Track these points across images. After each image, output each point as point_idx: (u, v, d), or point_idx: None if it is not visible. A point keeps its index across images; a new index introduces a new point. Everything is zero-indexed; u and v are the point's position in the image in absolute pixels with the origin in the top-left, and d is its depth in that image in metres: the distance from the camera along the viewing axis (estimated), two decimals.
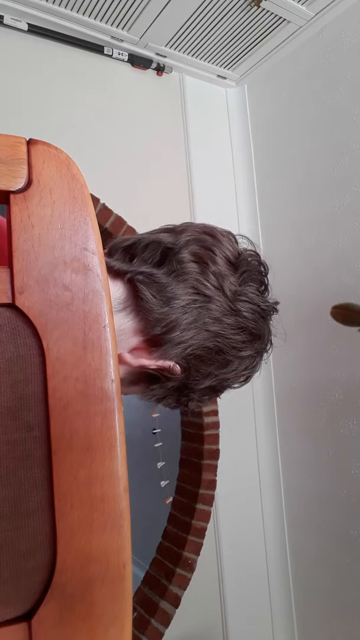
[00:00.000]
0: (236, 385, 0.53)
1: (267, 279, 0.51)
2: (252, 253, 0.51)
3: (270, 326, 0.52)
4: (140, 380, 0.48)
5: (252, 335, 0.49)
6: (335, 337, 1.58)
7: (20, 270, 0.26)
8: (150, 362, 0.46)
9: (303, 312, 1.67)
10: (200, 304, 0.46)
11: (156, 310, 0.44)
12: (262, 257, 0.52)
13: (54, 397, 0.26)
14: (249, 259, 0.50)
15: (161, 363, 0.46)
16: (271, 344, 0.53)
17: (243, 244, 0.52)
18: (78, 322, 0.27)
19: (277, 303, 0.52)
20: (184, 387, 0.49)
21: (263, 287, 0.51)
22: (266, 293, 0.51)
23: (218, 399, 1.74)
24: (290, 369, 1.77)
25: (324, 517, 1.65)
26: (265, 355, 0.53)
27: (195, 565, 1.66)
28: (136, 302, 0.45)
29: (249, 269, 0.49)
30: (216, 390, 0.51)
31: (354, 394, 1.53)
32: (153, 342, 0.46)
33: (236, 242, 0.51)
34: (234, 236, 0.51)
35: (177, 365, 0.46)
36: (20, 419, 0.26)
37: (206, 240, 0.48)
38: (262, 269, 0.51)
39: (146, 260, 0.47)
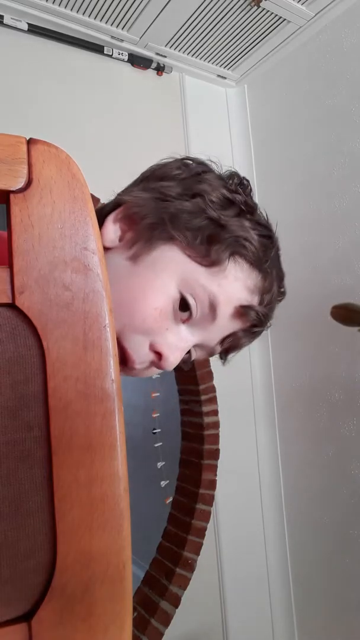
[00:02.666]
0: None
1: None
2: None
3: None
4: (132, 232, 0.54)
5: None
6: (335, 337, 1.57)
7: (20, 270, 0.26)
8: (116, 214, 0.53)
9: (303, 312, 1.67)
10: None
11: (118, 197, 0.54)
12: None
13: (54, 397, 0.26)
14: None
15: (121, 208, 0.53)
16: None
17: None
18: (78, 322, 0.27)
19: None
20: (165, 213, 0.51)
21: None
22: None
23: (218, 400, 1.74)
24: (290, 369, 1.77)
25: (324, 517, 1.65)
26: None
27: (195, 565, 1.66)
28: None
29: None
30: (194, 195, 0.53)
31: (354, 394, 1.53)
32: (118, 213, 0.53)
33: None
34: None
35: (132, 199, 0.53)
36: (20, 419, 0.26)
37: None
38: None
39: None
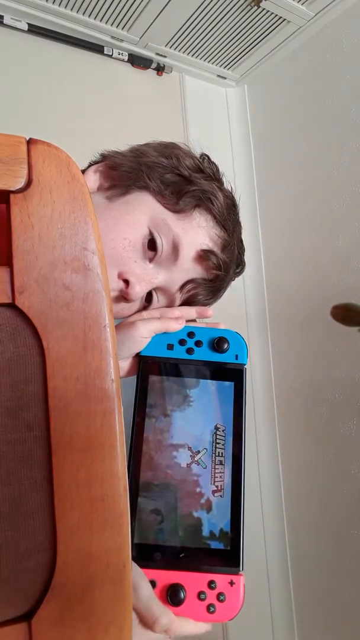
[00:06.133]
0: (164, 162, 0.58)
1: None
2: None
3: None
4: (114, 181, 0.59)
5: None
6: (335, 337, 1.57)
7: (21, 270, 0.26)
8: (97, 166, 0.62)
9: (303, 312, 1.67)
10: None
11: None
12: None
13: (54, 397, 0.26)
14: None
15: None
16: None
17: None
18: (78, 322, 0.27)
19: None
20: (143, 165, 0.58)
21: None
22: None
23: None
24: (290, 369, 1.77)
25: (324, 517, 1.65)
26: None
27: None
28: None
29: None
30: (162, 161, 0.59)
31: (354, 394, 1.53)
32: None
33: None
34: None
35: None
36: (20, 418, 0.26)
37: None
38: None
39: None
